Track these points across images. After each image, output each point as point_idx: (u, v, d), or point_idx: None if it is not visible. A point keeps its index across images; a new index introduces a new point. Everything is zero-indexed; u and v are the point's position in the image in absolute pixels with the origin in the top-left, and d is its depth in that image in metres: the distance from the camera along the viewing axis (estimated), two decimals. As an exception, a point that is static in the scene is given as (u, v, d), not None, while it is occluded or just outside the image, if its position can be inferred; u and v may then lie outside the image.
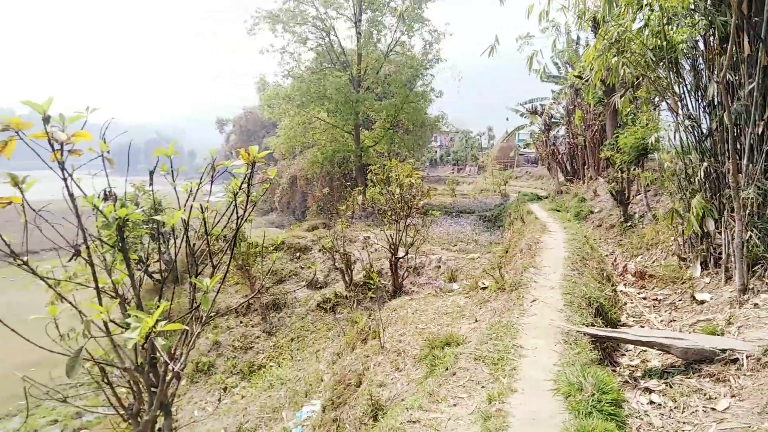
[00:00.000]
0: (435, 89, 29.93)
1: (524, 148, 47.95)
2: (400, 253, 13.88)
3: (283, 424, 8.92)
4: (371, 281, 11.72)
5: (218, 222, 4.36)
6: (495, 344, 5.58)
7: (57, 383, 3.87)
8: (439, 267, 15.24)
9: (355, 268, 15.77)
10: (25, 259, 3.32)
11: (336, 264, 15.44)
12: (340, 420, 6.97)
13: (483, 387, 4.63)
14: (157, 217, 3.77)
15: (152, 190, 3.90)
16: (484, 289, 9.78)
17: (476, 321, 7.76)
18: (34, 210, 3.20)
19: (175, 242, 4.27)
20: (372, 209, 18.25)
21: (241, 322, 14.85)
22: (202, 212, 3.96)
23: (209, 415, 10.61)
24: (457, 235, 19.77)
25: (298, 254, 18.56)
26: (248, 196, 4.06)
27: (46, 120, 3.03)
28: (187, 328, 3.10)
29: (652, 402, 4.93)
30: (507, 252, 13.39)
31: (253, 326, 14.63)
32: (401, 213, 13.56)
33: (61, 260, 3.98)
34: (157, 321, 2.68)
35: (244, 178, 4.00)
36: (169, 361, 3.12)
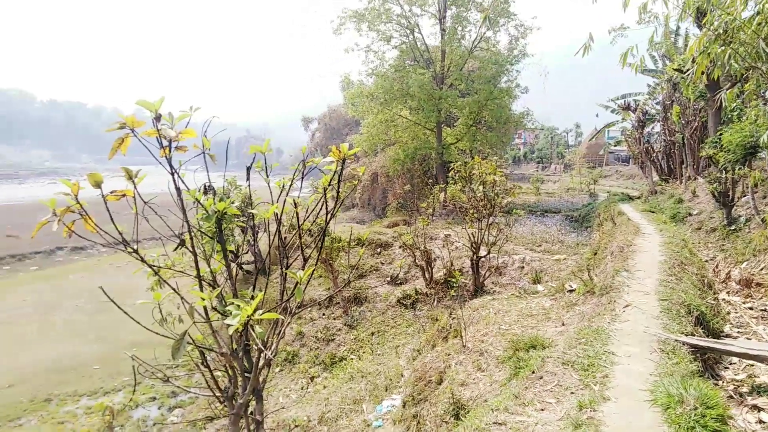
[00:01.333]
0: (520, 85, 29.17)
1: (615, 145, 45.66)
2: (482, 252, 13.67)
3: (364, 417, 9.07)
4: (452, 279, 11.63)
5: (308, 216, 4.48)
6: (584, 349, 5.35)
7: (154, 363, 4.14)
8: (523, 267, 14.86)
9: (435, 266, 15.72)
10: (135, 247, 3.59)
11: (416, 261, 15.47)
12: (421, 416, 6.98)
13: (572, 393, 4.45)
14: (253, 211, 3.93)
15: (249, 185, 4.08)
16: (571, 291, 9.43)
17: (563, 324, 7.49)
18: (145, 202, 3.42)
19: (268, 235, 4.43)
20: (453, 207, 18.10)
21: (323, 314, 15.27)
22: (295, 207, 4.10)
23: (294, 402, 11.01)
24: (541, 235, 19.18)
25: (378, 250, 18.78)
26: (338, 192, 4.14)
27: (157, 118, 3.23)
28: (281, 317, 3.22)
29: (761, 421, 4.54)
30: (596, 254, 12.80)
31: (335, 319, 14.99)
32: (484, 211, 13.35)
33: (165, 249, 4.27)
34: (255, 310, 2.80)
35: (333, 175, 4.09)
36: (263, 348, 3.26)
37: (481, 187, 13.41)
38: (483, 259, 13.76)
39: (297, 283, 3.65)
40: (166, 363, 13.71)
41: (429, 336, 10.54)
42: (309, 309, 15.11)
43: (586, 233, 19.41)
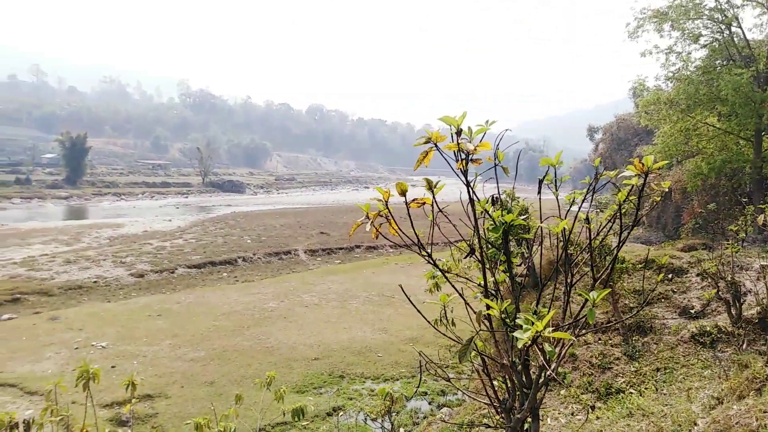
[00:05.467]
0: None
1: None
2: (817, 292, 10.90)
3: (644, 461, 8.09)
4: (771, 321, 9.53)
5: (599, 232, 4.27)
6: None
7: (428, 362, 4.40)
8: None
9: (745, 301, 13.12)
10: (429, 251, 3.88)
11: (719, 293, 13.15)
12: (721, 480, 5.88)
13: None
14: (543, 225, 3.88)
15: (540, 198, 4.03)
16: None
17: None
18: (440, 209, 3.68)
19: (540, 248, 4.32)
20: (776, 232, 14.89)
21: (599, 339, 14.20)
22: (587, 223, 3.91)
23: (563, 426, 10.50)
24: None
25: (669, 276, 16.60)
26: (637, 210, 3.85)
27: (458, 133, 3.44)
28: (573, 338, 3.07)
29: None
30: None
31: (612, 346, 13.78)
32: (823, 241, 10.61)
33: (453, 254, 4.52)
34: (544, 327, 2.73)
35: (631, 189, 3.82)
36: (546, 367, 3.16)
37: (820, 211, 10.71)
38: (818, 300, 10.96)
39: (585, 302, 3.47)
40: (437, 362, 14.59)
41: (734, 384, 8.82)
42: (584, 332, 14.21)
43: None
